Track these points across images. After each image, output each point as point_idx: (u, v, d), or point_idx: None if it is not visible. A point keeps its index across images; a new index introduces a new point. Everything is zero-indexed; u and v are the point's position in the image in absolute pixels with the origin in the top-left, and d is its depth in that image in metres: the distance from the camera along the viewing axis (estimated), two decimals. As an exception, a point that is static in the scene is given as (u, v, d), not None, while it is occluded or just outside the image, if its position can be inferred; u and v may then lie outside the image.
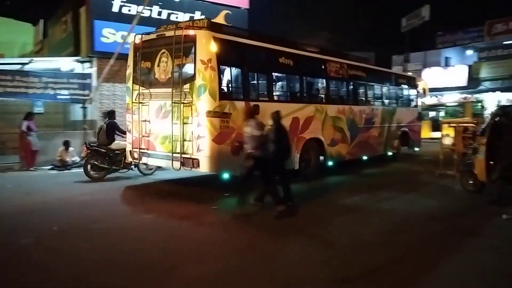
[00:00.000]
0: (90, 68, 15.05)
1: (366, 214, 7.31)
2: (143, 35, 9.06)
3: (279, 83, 10.38)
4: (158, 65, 8.69)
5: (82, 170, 11.17)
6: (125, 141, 9.92)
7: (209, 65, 7.93)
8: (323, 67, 11.03)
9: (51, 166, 12.43)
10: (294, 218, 6.93)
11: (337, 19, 37.62)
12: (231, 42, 8.63)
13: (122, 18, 14.65)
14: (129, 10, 14.83)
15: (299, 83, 10.63)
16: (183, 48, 8.13)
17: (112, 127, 10.67)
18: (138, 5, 14.54)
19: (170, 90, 8.29)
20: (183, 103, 8.08)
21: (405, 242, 5.76)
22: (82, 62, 15.23)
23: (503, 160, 7.70)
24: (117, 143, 10.56)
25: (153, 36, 8.97)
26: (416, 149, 15.67)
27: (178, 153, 8.02)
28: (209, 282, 4.43)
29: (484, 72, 26.47)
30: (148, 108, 8.88)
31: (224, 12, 17.04)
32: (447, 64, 30.73)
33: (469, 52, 29.81)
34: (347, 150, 11.74)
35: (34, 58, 15.78)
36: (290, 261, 5.04)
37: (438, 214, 7.22)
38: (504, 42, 26.42)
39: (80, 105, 14.65)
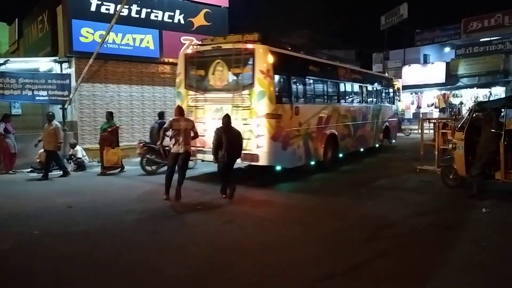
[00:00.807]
0: (68, 69, 14.80)
1: (349, 210, 7.38)
2: (196, 46, 10.31)
3: (310, 87, 11.49)
4: (213, 73, 9.84)
5: (62, 172, 11.17)
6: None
7: (267, 74, 9.13)
8: (338, 72, 12.80)
9: (30, 169, 12.20)
10: (277, 217, 6.96)
11: (317, 17, 37.76)
12: (280, 54, 9.81)
13: (100, 17, 14.40)
14: (108, 9, 14.60)
15: (323, 87, 12.04)
16: (242, 60, 9.35)
17: (159, 125, 11.38)
18: (116, 4, 14.35)
19: (226, 95, 9.57)
20: (243, 106, 9.23)
21: (388, 237, 5.83)
22: (60, 62, 14.95)
23: (482, 157, 7.84)
24: (167, 140, 10.87)
25: (208, 47, 10.01)
26: (393, 141, 17.52)
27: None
28: (191, 284, 4.40)
29: (461, 69, 26.95)
30: (204, 110, 9.94)
31: (204, 10, 16.93)
32: (425, 61, 31.21)
33: (447, 49, 30.32)
34: (351, 144, 13.35)
35: (11, 59, 15.43)
36: (275, 258, 5.04)
37: (420, 209, 7.33)
38: (480, 40, 26.95)
39: (59, 106, 14.40)
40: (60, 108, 14.40)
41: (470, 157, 8.29)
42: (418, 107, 28.81)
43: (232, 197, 8.05)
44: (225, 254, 5.22)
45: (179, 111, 8.32)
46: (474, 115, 8.55)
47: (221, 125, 8.14)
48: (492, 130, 7.74)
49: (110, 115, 12.15)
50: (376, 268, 4.73)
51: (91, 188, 9.75)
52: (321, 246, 5.49)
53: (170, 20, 16.19)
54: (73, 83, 14.17)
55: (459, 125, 8.82)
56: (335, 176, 10.98)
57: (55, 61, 14.90)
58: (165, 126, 8.25)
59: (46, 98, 13.83)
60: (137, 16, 15.37)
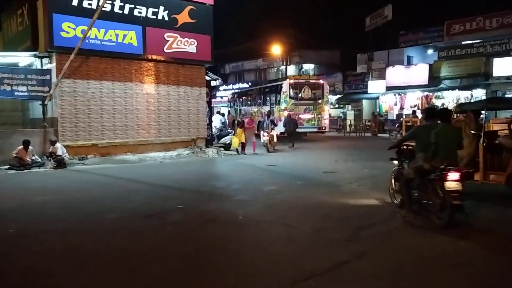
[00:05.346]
0: (49, 64, 14.54)
1: (330, 209, 7.37)
2: (296, 79, 22.74)
3: None
4: (303, 91, 22.17)
5: (42, 169, 10.99)
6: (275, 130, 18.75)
7: (328, 93, 23.98)
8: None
9: (8, 166, 11.95)
10: (260, 212, 6.93)
11: (302, 17, 37.84)
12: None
13: (82, 12, 14.19)
14: (90, 4, 14.39)
15: None
16: (318, 87, 22.70)
17: (271, 121, 18.00)
18: (99, -1, 14.16)
19: (310, 102, 22.33)
20: (318, 107, 22.39)
21: (368, 237, 5.83)
22: (40, 57, 14.68)
23: (463, 158, 7.85)
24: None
25: (301, 80, 22.71)
26: None
27: (317, 126, 22.49)
28: (168, 283, 4.34)
29: (444, 71, 27.29)
30: (299, 109, 21.83)
31: (189, 7, 16.83)
32: (409, 63, 31.53)
33: (430, 51, 30.60)
34: None
35: (-11, 53, 15.10)
36: (254, 257, 5.01)
37: (398, 210, 7.35)
38: (462, 42, 27.30)
39: (39, 102, 14.14)
40: (40, 104, 14.16)
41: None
42: (401, 108, 29.12)
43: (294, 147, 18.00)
44: (203, 253, 5.16)
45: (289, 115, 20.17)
46: (455, 116, 8.64)
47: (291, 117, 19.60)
48: (472, 132, 7.82)
49: None
50: (356, 268, 4.73)
51: (69, 185, 9.58)
52: (302, 245, 5.47)
53: (154, 17, 16.05)
54: (54, 79, 13.94)
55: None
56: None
57: (35, 56, 14.64)
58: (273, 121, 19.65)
59: (26, 93, 13.58)
60: (120, 11, 15.20)
